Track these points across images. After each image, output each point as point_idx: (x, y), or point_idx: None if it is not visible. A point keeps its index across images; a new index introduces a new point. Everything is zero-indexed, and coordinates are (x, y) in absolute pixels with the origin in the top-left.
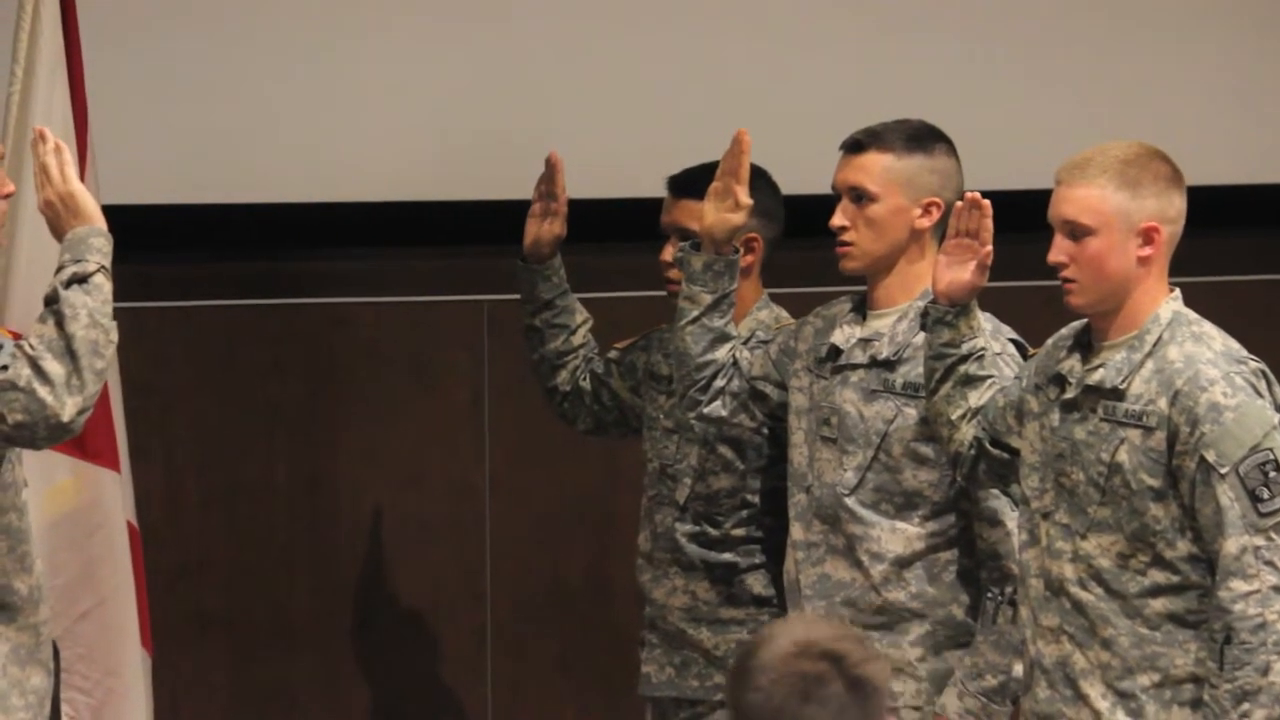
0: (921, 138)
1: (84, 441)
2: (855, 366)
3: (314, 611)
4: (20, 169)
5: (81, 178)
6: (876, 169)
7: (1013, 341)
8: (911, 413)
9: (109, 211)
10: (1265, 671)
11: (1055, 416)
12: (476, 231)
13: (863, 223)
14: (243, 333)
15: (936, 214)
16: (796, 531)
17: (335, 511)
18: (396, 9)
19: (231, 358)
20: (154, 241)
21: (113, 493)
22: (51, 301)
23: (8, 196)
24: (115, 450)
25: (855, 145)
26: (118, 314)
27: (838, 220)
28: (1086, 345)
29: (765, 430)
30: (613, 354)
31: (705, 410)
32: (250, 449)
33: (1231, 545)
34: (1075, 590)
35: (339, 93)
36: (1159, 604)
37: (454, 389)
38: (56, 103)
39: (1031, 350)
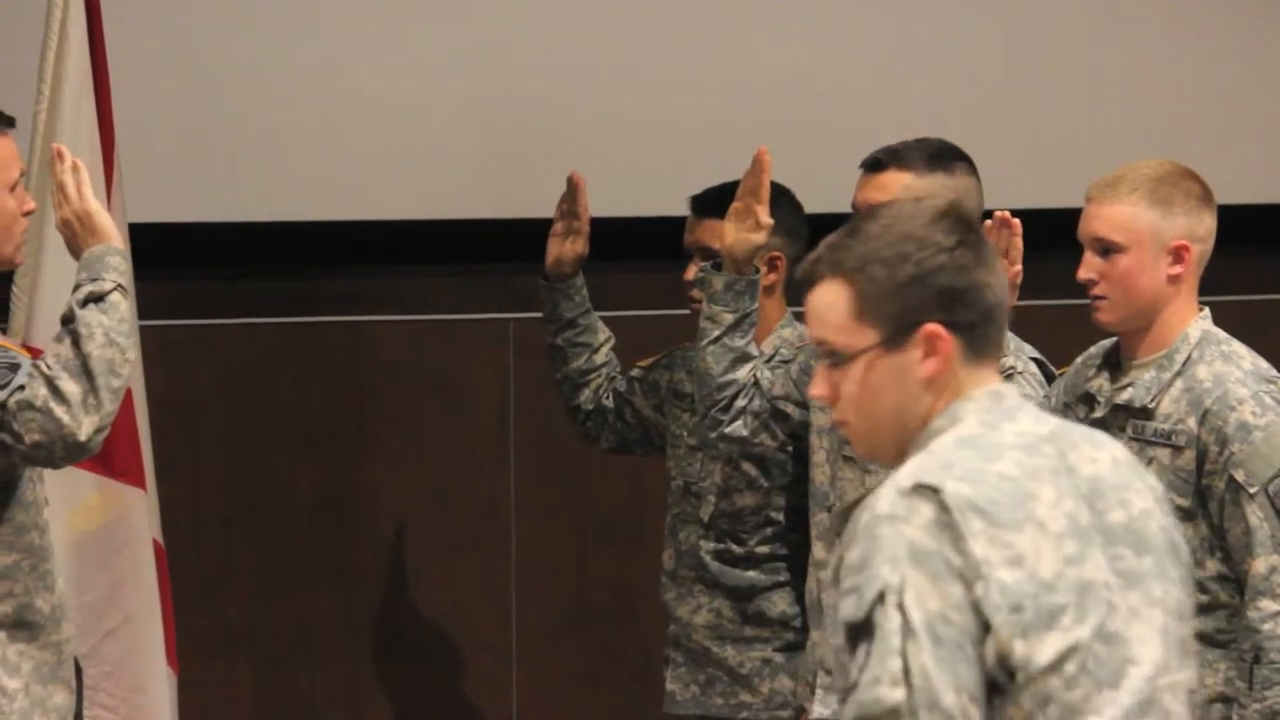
0: (942, 156)
1: (110, 459)
2: None
3: (339, 628)
4: (46, 188)
5: (108, 197)
6: (897, 188)
7: (1035, 360)
8: None
9: (135, 230)
10: None
11: None
12: (501, 249)
13: None
14: (268, 351)
15: None
16: (819, 551)
17: (360, 529)
18: (420, 27)
19: (256, 376)
20: (180, 260)
21: (139, 511)
22: (68, 321)
23: (28, 214)
24: (141, 468)
25: (875, 164)
26: (143, 332)
27: None
28: (1115, 364)
29: (789, 448)
30: (635, 372)
31: (727, 430)
32: (275, 466)
33: (1260, 565)
34: None
35: (363, 111)
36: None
37: (479, 407)
38: (83, 122)
39: (1057, 370)
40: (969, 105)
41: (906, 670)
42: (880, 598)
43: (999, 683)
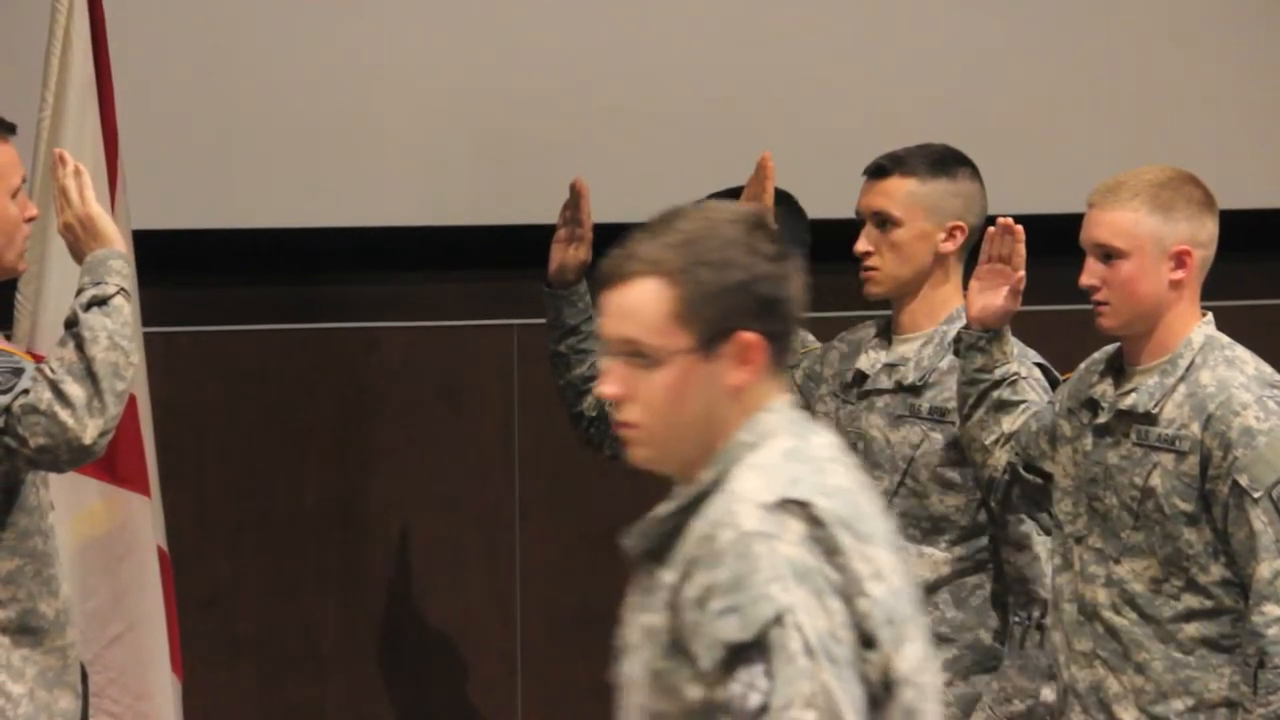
0: (945, 162)
1: (114, 466)
2: (881, 392)
3: (344, 636)
4: (50, 193)
5: (112, 203)
6: (900, 194)
7: (1038, 365)
8: (938, 437)
9: (140, 236)
10: None
11: (1088, 441)
12: (507, 256)
13: (887, 248)
14: (273, 357)
15: (961, 238)
16: None
17: (366, 536)
18: (426, 34)
19: (262, 382)
20: (185, 266)
21: (143, 517)
22: (71, 324)
23: (31, 220)
24: (145, 475)
25: (878, 170)
26: (148, 338)
27: (862, 246)
28: (1119, 369)
29: None
30: None
31: None
32: (281, 473)
33: (1265, 569)
34: (1109, 615)
35: (369, 118)
36: (1192, 628)
37: (485, 413)
38: (87, 128)
39: (1060, 375)
40: (972, 111)
41: (814, 693)
42: (778, 619)
43: (878, 699)
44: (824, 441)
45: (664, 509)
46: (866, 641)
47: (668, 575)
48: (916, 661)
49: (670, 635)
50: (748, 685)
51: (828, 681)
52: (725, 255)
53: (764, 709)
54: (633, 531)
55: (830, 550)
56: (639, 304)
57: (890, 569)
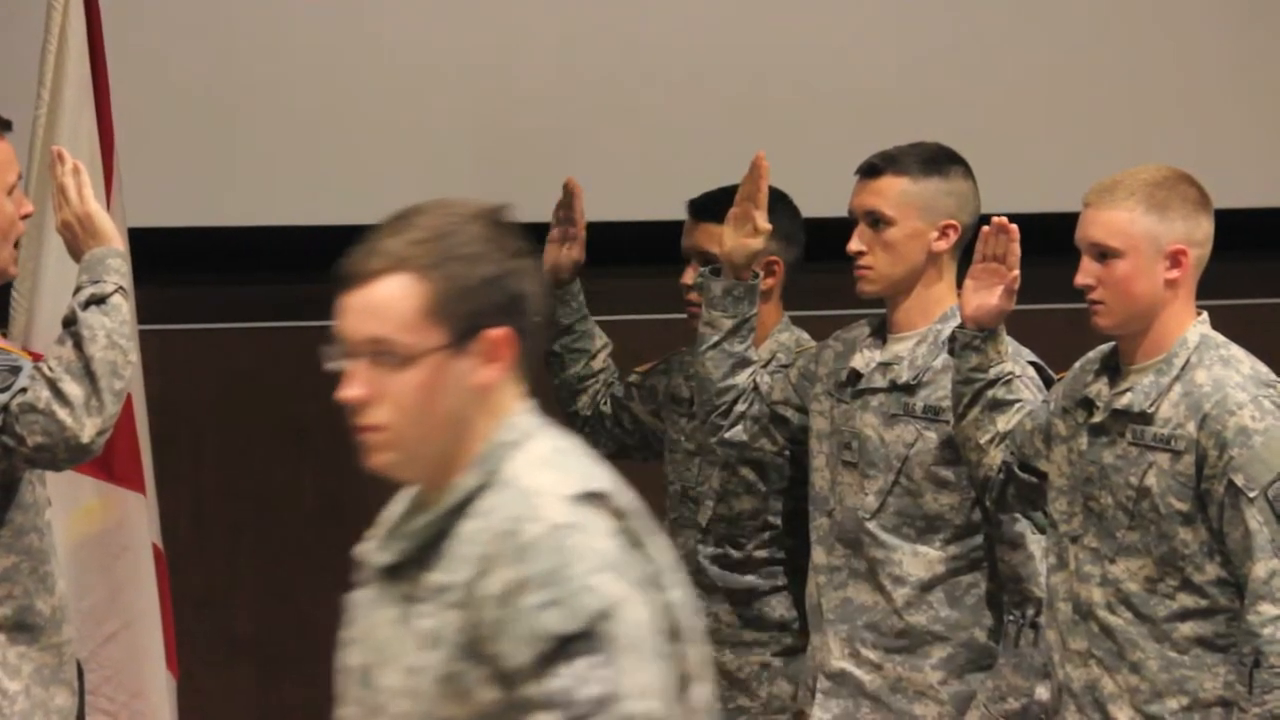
0: (938, 161)
1: (110, 464)
2: (875, 391)
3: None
4: (46, 191)
5: (108, 201)
6: (893, 193)
7: (1033, 364)
8: (932, 436)
9: (136, 234)
10: None
11: (1083, 440)
12: None
13: (880, 247)
14: (269, 355)
15: (954, 237)
16: (818, 555)
17: (362, 533)
18: (417, 33)
19: (258, 380)
20: (181, 264)
21: (139, 515)
22: (70, 323)
23: (26, 217)
24: (141, 473)
25: (871, 169)
26: (144, 336)
27: (854, 245)
28: (1114, 369)
29: (787, 453)
30: (633, 378)
31: (726, 435)
32: (277, 471)
33: (1260, 569)
34: (1104, 614)
35: (363, 116)
36: (1188, 628)
37: None
38: (83, 126)
39: (1055, 374)
40: (966, 109)
41: (651, 682)
42: (606, 611)
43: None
44: (572, 441)
45: (424, 518)
46: (673, 634)
47: (444, 577)
48: (700, 658)
49: (464, 636)
50: (578, 678)
51: (655, 671)
52: (474, 250)
53: (604, 699)
54: (377, 544)
55: (637, 542)
56: (388, 301)
57: (673, 563)
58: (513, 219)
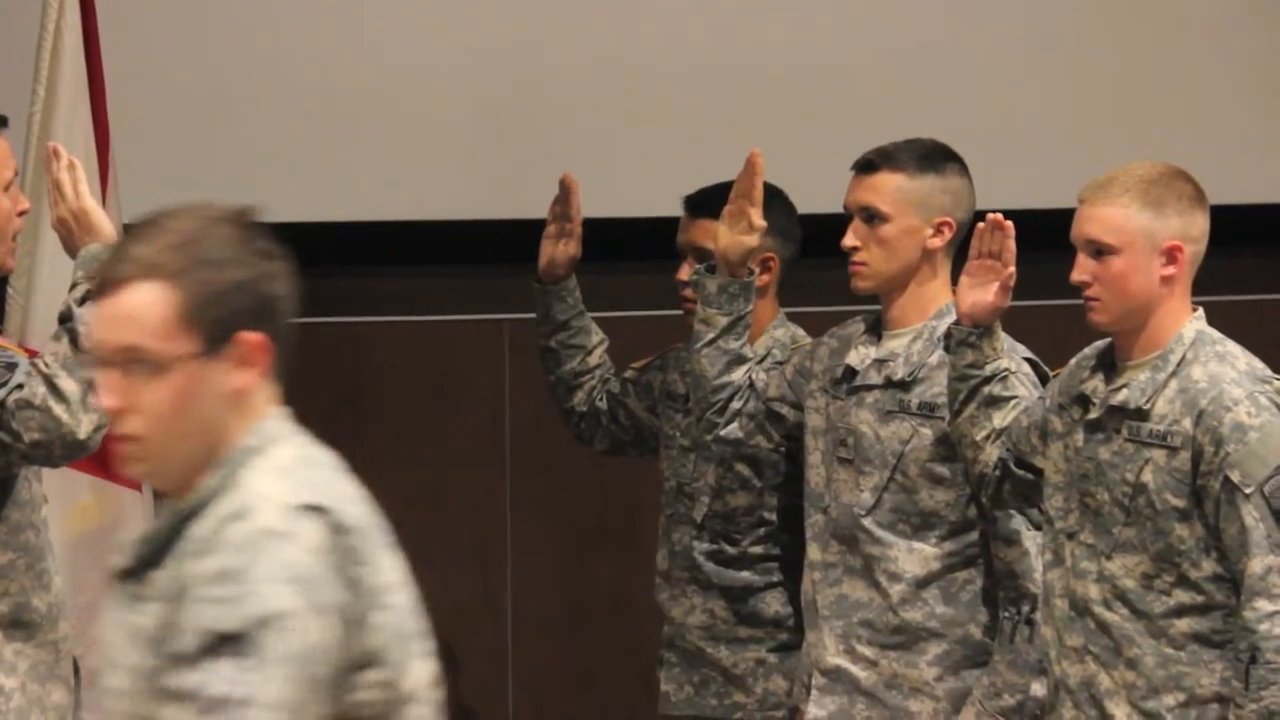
0: (933, 157)
1: (106, 461)
2: (871, 387)
3: None
4: (42, 187)
5: (104, 197)
6: (888, 189)
7: (1028, 360)
8: (927, 433)
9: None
10: None
11: (1079, 437)
12: (497, 251)
13: (875, 243)
14: None
15: (949, 233)
16: (814, 552)
17: None
18: (414, 29)
19: None
20: None
21: (135, 512)
22: (66, 319)
23: (23, 214)
24: None
25: (867, 165)
26: None
27: (849, 241)
28: (1110, 365)
29: (783, 449)
30: (629, 374)
31: (722, 433)
32: None
33: (1256, 565)
34: (1100, 610)
35: (358, 112)
36: (1184, 624)
37: (475, 408)
38: (78, 122)
39: (1051, 371)
40: (962, 106)
41: (282, 701)
42: (269, 619)
43: (382, 719)
44: (324, 452)
45: (162, 523)
46: (369, 661)
47: (167, 573)
48: (424, 678)
49: (161, 630)
50: (220, 676)
51: (299, 695)
52: (225, 254)
53: (237, 702)
54: (126, 549)
55: (354, 559)
56: (139, 309)
57: (404, 582)
58: (262, 220)
